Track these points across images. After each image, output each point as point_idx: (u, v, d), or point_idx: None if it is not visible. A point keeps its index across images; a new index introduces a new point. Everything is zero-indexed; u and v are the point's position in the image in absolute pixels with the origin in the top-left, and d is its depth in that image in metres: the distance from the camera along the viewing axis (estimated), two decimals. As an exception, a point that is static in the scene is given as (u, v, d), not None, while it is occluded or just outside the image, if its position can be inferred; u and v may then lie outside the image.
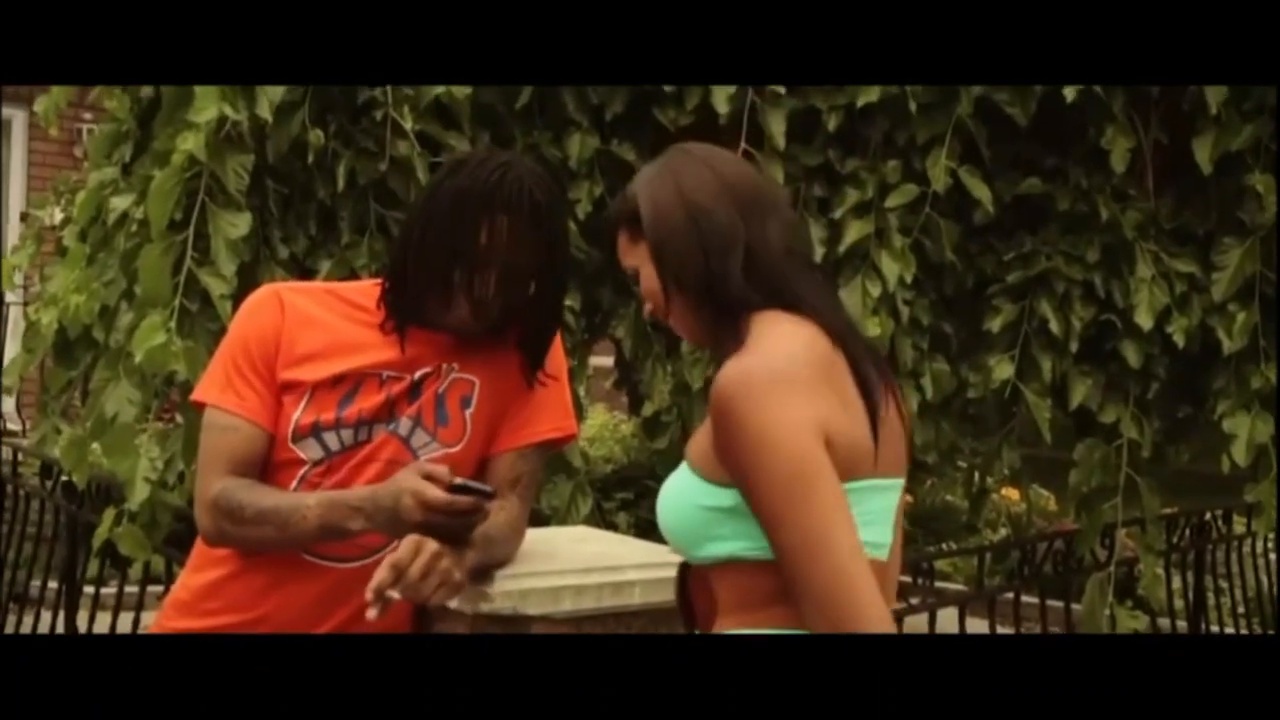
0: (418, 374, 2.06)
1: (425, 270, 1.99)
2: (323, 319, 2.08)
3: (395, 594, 1.78)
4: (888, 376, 1.70)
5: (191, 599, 2.07)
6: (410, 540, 1.82)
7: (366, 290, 2.14)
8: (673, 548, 1.70)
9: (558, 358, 2.17)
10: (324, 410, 2.03)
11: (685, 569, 1.74)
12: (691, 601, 1.73)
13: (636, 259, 1.73)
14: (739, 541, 1.58)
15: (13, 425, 8.06)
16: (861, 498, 1.59)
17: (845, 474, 1.55)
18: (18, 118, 9.88)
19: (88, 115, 9.23)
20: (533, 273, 1.99)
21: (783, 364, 1.57)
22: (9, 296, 8.05)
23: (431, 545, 1.81)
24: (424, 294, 2.00)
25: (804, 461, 1.51)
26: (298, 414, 2.03)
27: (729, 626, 1.64)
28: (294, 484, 2.03)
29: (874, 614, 1.49)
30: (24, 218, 9.63)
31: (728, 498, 1.57)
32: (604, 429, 8.55)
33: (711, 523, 1.60)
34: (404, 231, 2.09)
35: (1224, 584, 5.40)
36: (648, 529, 6.57)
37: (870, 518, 1.61)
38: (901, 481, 1.70)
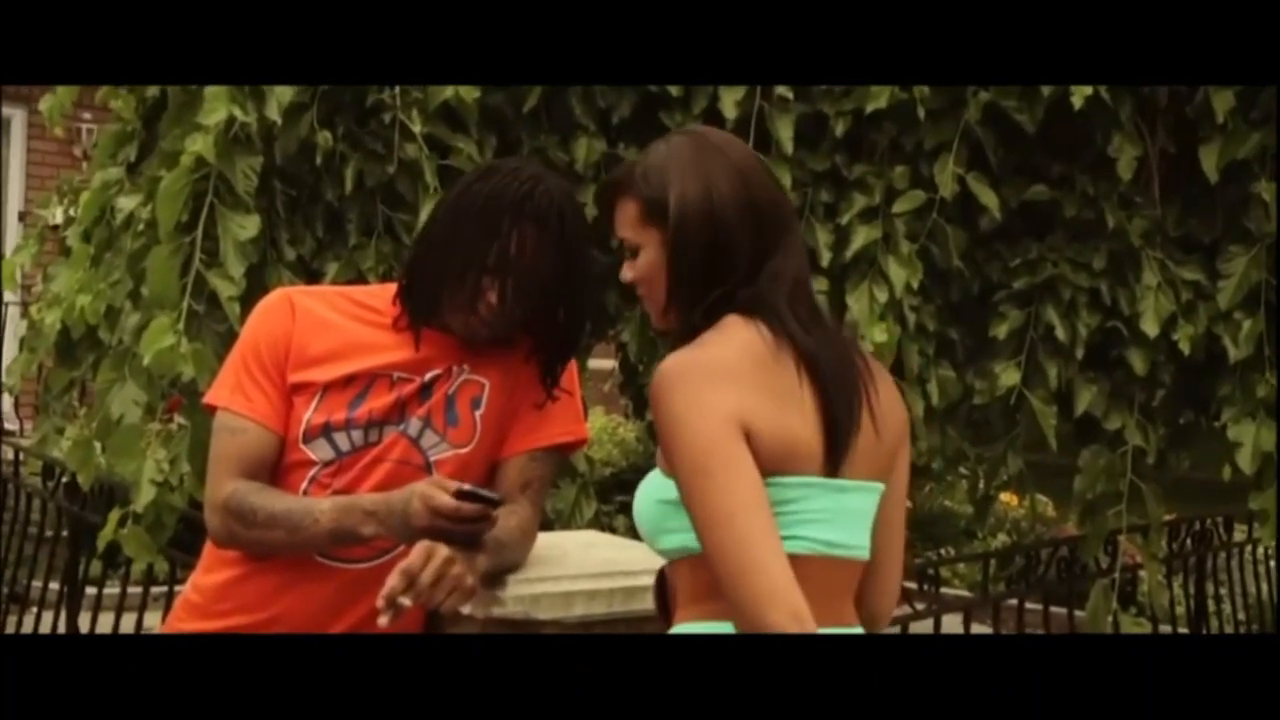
0: (428, 375, 2.06)
1: (446, 268, 1.98)
2: (334, 321, 2.08)
3: (407, 601, 1.77)
4: (870, 388, 1.72)
5: (203, 600, 2.07)
6: (421, 546, 1.81)
7: (378, 293, 2.14)
8: (644, 540, 1.75)
9: (570, 367, 2.17)
10: (335, 411, 2.03)
11: (664, 570, 1.77)
12: (666, 597, 1.76)
13: (641, 239, 1.74)
14: (686, 534, 1.62)
15: (10, 425, 8.05)
16: (805, 493, 1.63)
17: (777, 467, 1.60)
18: (17, 116, 9.86)
19: (87, 115, 9.22)
20: (550, 287, 1.99)
21: (707, 358, 1.62)
22: (8, 296, 8.04)
23: (443, 551, 1.81)
24: (441, 293, 2.00)
25: (711, 446, 1.56)
26: (309, 414, 2.03)
27: (681, 619, 1.69)
28: (304, 484, 2.03)
29: (777, 595, 1.50)
30: (23, 217, 9.62)
31: (675, 490, 1.61)
32: (603, 432, 8.56)
33: (665, 515, 1.65)
34: (428, 229, 2.09)
35: (1224, 591, 5.41)
36: (646, 533, 6.57)
37: (821, 515, 1.65)
38: (879, 486, 1.73)
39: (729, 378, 1.60)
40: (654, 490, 1.68)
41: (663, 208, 1.70)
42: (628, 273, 1.76)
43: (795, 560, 1.56)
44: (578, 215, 2.01)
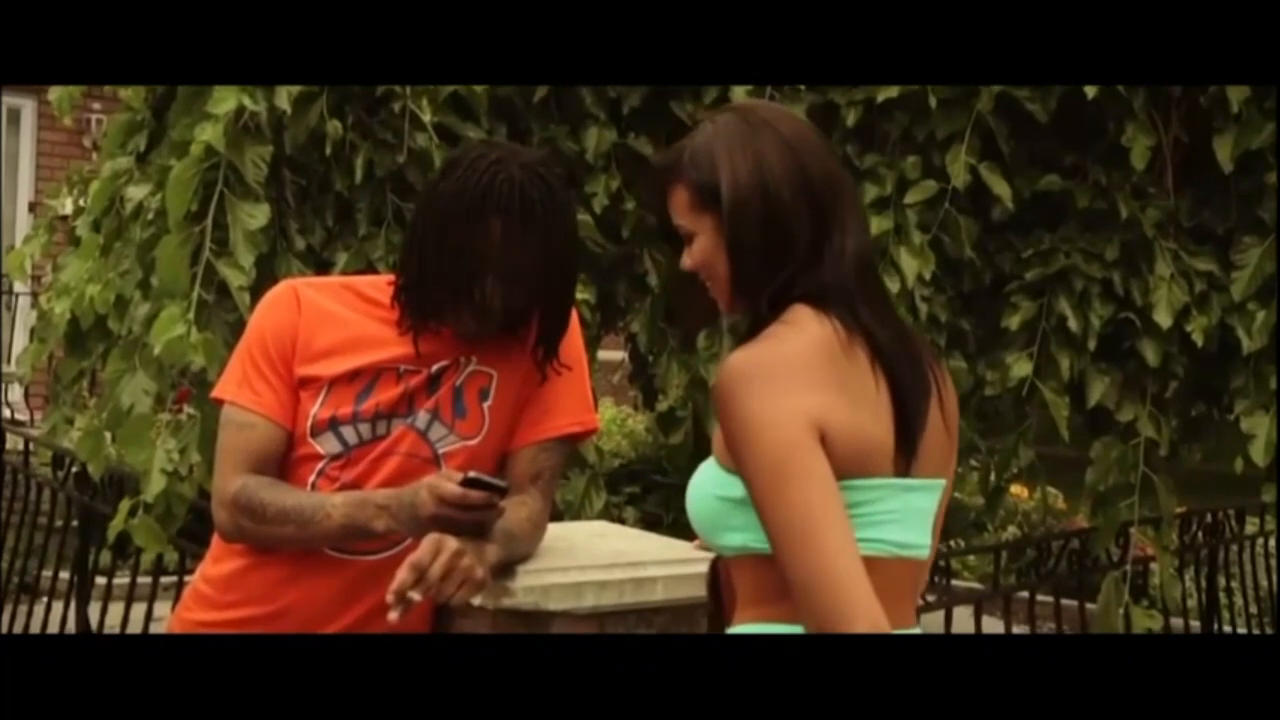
0: (435, 367, 2.05)
1: (428, 277, 1.97)
2: (339, 314, 2.07)
3: (417, 595, 1.76)
4: (939, 381, 1.67)
5: (212, 591, 2.07)
6: (430, 539, 1.80)
7: (383, 285, 2.13)
8: (699, 535, 1.70)
9: (576, 348, 2.15)
10: (341, 405, 2.02)
11: (717, 560, 1.73)
12: (721, 593, 1.72)
13: (696, 225, 1.67)
14: (749, 533, 1.58)
15: (20, 415, 8.06)
16: (879, 495, 1.58)
17: (852, 470, 1.54)
18: (27, 107, 9.88)
19: (97, 105, 9.24)
20: (535, 272, 1.95)
21: (783, 356, 1.56)
22: (19, 287, 8.06)
23: (452, 544, 1.80)
24: (429, 295, 1.99)
25: (788, 451, 1.50)
26: (315, 409, 2.02)
27: (743, 619, 1.64)
28: (312, 477, 2.03)
29: (859, 608, 1.46)
30: (33, 208, 9.63)
31: (739, 488, 1.57)
32: (612, 423, 8.55)
33: (726, 513, 1.61)
34: (408, 236, 2.07)
35: (1235, 584, 5.39)
36: (655, 523, 6.57)
37: (892, 516, 1.59)
38: (941, 482, 1.68)
39: (803, 377, 1.54)
40: (712, 486, 1.62)
41: (714, 191, 1.63)
42: (686, 260, 1.70)
43: (867, 562, 1.51)
44: (546, 194, 1.94)
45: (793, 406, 1.52)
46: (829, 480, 1.51)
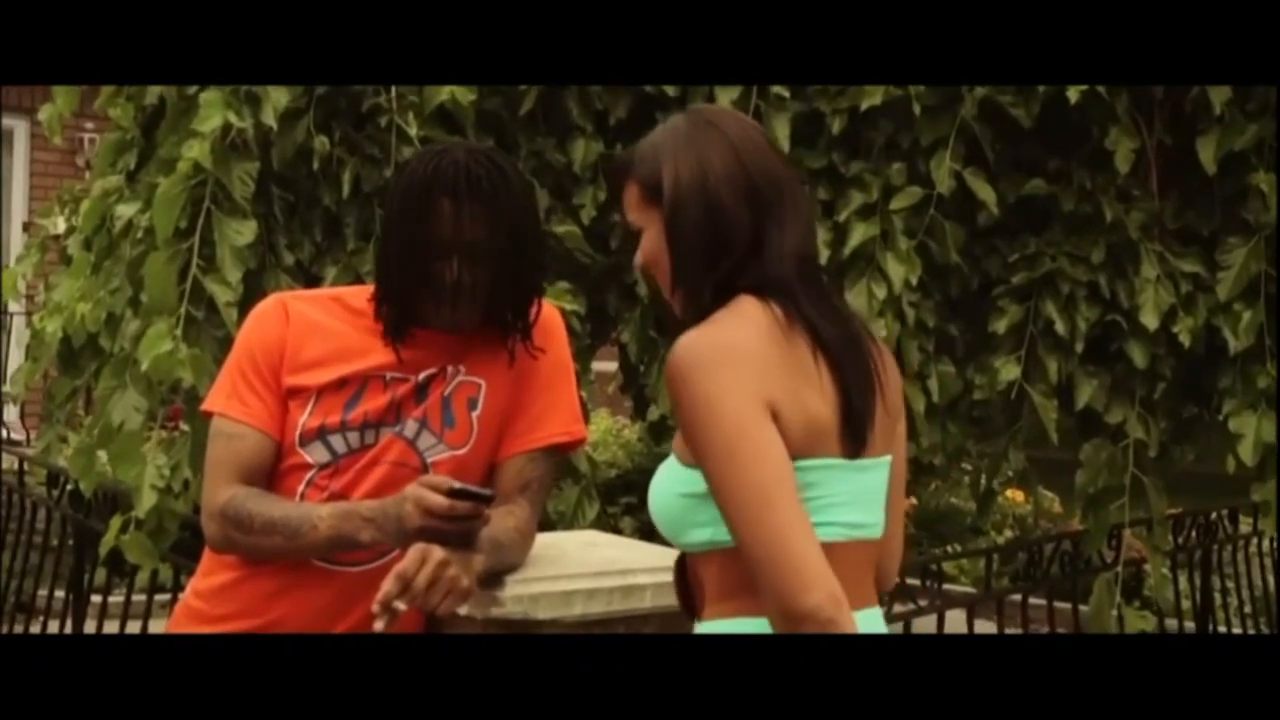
0: (422, 375, 2.06)
1: (397, 274, 2.00)
2: (327, 325, 2.09)
3: (402, 605, 1.78)
4: (880, 367, 1.71)
5: (203, 605, 2.08)
6: (416, 549, 1.82)
7: (370, 295, 2.14)
8: (664, 536, 1.73)
9: (563, 358, 2.17)
10: (329, 414, 2.03)
11: (683, 558, 1.75)
12: (690, 591, 1.74)
13: (645, 221, 1.73)
14: (715, 527, 1.60)
15: (16, 435, 8.06)
16: (827, 476, 1.62)
17: (801, 450, 1.58)
18: (19, 128, 9.89)
19: (89, 125, 9.25)
20: (491, 246, 1.98)
21: (730, 339, 1.60)
22: (13, 306, 8.06)
23: (438, 553, 1.81)
24: (405, 294, 2.01)
25: (741, 429, 1.53)
26: (304, 418, 2.04)
27: (711, 614, 1.67)
28: (301, 487, 2.04)
29: (815, 581, 1.49)
30: (26, 227, 9.64)
31: (702, 483, 1.59)
32: (607, 434, 8.55)
33: (690, 509, 1.63)
34: (379, 237, 2.11)
35: (1230, 584, 5.39)
36: (652, 533, 6.54)
37: (843, 498, 1.64)
38: (888, 459, 1.72)
39: (750, 358, 1.58)
40: (674, 484, 1.65)
41: (659, 188, 1.69)
42: (637, 255, 1.76)
43: (826, 547, 1.54)
44: (493, 171, 1.98)
45: (740, 384, 1.56)
46: (783, 457, 1.55)
